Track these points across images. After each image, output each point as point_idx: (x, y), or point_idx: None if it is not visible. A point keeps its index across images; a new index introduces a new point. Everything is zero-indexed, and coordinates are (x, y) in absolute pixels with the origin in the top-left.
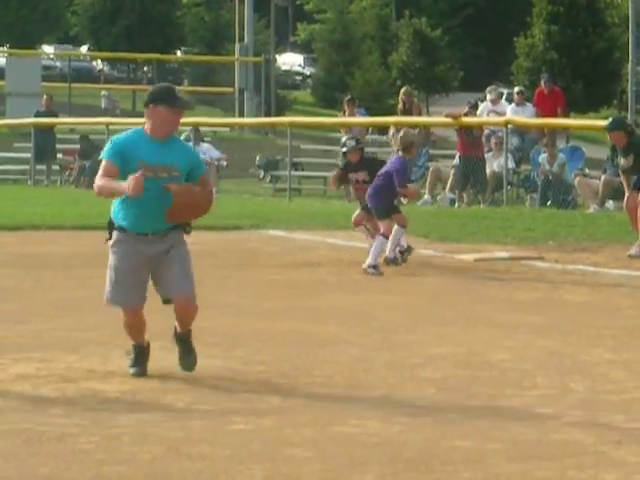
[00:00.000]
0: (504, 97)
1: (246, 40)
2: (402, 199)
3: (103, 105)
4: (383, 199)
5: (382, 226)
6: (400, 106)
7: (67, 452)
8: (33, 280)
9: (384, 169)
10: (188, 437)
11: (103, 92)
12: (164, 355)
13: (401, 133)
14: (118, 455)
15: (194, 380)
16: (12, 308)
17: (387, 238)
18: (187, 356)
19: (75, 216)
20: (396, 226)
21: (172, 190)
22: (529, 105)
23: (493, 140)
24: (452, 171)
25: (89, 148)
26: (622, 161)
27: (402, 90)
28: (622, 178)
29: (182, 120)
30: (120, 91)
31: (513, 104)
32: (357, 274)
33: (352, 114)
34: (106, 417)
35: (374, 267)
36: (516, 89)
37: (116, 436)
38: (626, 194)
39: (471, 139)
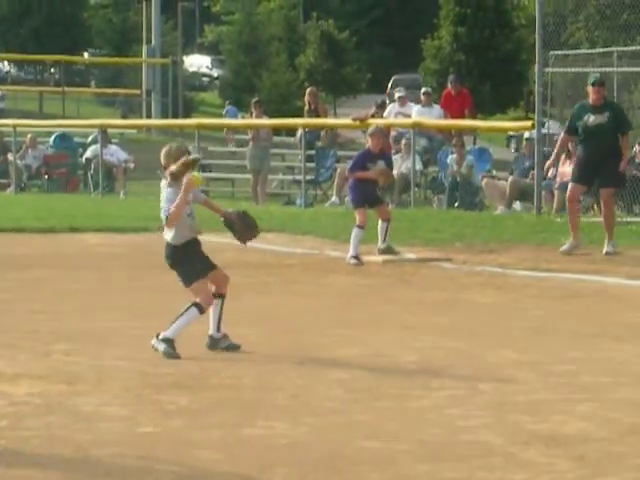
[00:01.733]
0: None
1: (153, 42)
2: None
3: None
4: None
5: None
6: (306, 107)
7: None
8: None
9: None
10: (96, 439)
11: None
12: (73, 358)
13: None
14: (26, 458)
15: (102, 383)
16: None
17: (362, 228)
18: None
19: None
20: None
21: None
22: (436, 106)
23: (403, 141)
24: None
25: (1, 149)
26: (591, 119)
27: (307, 91)
28: (579, 153)
29: (89, 122)
30: (27, 93)
31: (419, 105)
32: (266, 276)
33: (259, 116)
34: (13, 420)
35: (355, 257)
36: (422, 90)
37: (24, 439)
38: (570, 185)
39: None
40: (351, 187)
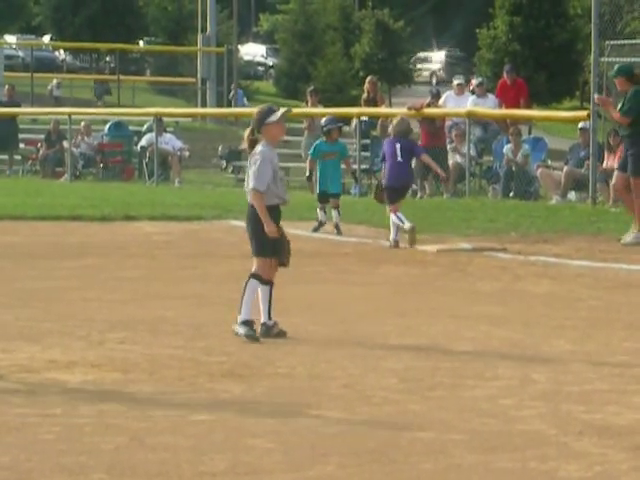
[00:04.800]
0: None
1: (209, 30)
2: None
3: (54, 94)
4: None
5: None
6: (365, 95)
7: (28, 442)
8: None
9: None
10: (150, 428)
11: (54, 81)
12: (127, 347)
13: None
14: (79, 446)
15: (156, 371)
16: None
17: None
18: None
19: (37, 206)
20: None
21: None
22: (491, 96)
23: (454, 132)
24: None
25: (57, 137)
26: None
27: (367, 79)
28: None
29: (144, 110)
30: (82, 81)
31: (474, 95)
32: (319, 265)
33: (315, 105)
34: (67, 407)
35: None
36: (475, 80)
37: (78, 426)
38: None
39: (433, 129)
40: None
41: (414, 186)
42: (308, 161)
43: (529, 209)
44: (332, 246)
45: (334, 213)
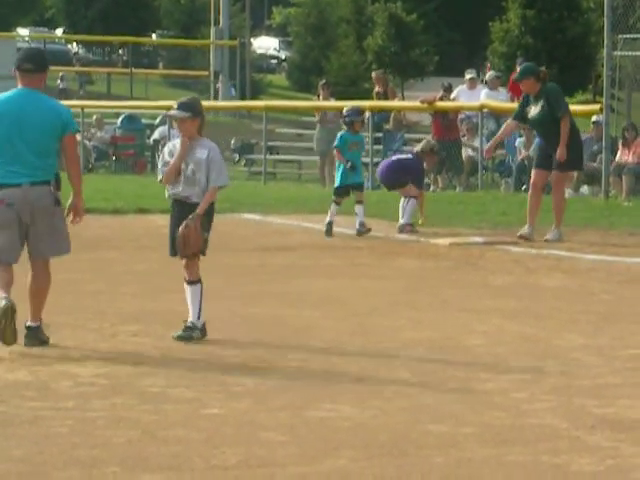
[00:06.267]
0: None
1: (221, 23)
2: None
3: (60, 87)
4: None
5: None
6: (376, 89)
7: (41, 435)
8: None
9: None
10: (162, 421)
11: (60, 74)
12: (139, 340)
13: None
14: (92, 439)
15: (168, 364)
16: None
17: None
18: None
19: None
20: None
21: None
22: (503, 90)
23: (465, 126)
24: None
25: None
26: (531, 110)
27: (373, 75)
28: (537, 139)
29: (157, 103)
30: (95, 74)
31: (487, 89)
32: (332, 258)
33: (327, 98)
34: (80, 401)
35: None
36: (489, 74)
37: (90, 420)
38: (533, 171)
39: (446, 122)
40: None
41: (427, 180)
42: (336, 153)
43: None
44: (345, 240)
45: (359, 209)
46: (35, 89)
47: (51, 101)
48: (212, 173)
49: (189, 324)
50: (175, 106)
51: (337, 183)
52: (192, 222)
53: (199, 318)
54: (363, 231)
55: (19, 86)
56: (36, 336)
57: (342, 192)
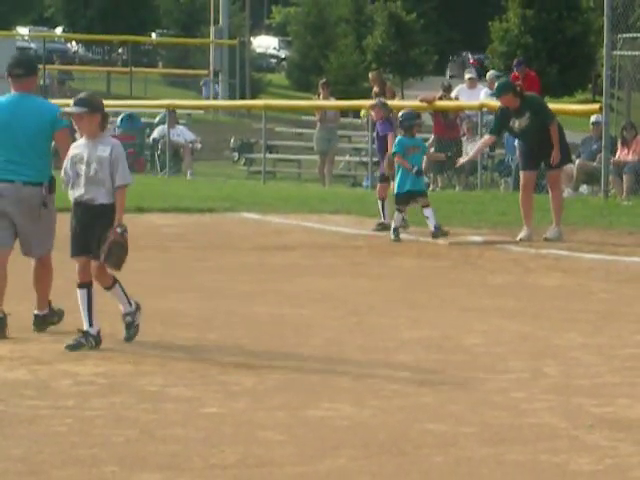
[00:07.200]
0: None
1: (221, 23)
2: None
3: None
4: None
5: None
6: (374, 89)
7: (40, 434)
8: None
9: None
10: (161, 420)
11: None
12: (138, 339)
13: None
14: (91, 438)
15: (167, 363)
16: None
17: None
18: None
19: None
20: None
21: None
22: None
23: (465, 125)
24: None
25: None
26: (517, 123)
27: (370, 76)
28: (519, 144)
29: (156, 103)
30: (95, 73)
31: (486, 88)
32: (331, 257)
33: (327, 97)
34: (79, 400)
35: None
36: (489, 74)
37: (89, 419)
38: (521, 173)
39: (446, 121)
40: None
41: (426, 179)
42: (388, 158)
43: (541, 202)
44: (344, 239)
45: (428, 212)
46: (26, 92)
47: (39, 101)
48: (117, 173)
49: (127, 320)
50: (72, 102)
51: (396, 189)
52: (125, 232)
53: (92, 325)
54: (439, 234)
55: (12, 92)
56: (44, 322)
57: (403, 200)
